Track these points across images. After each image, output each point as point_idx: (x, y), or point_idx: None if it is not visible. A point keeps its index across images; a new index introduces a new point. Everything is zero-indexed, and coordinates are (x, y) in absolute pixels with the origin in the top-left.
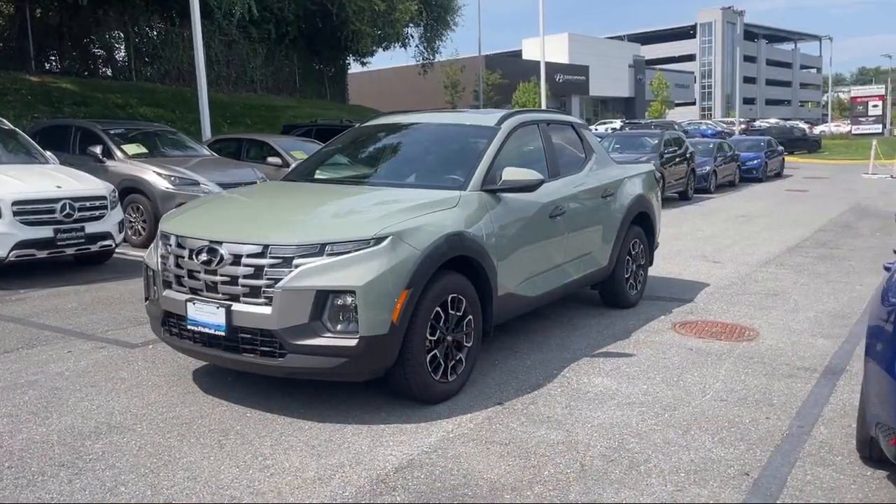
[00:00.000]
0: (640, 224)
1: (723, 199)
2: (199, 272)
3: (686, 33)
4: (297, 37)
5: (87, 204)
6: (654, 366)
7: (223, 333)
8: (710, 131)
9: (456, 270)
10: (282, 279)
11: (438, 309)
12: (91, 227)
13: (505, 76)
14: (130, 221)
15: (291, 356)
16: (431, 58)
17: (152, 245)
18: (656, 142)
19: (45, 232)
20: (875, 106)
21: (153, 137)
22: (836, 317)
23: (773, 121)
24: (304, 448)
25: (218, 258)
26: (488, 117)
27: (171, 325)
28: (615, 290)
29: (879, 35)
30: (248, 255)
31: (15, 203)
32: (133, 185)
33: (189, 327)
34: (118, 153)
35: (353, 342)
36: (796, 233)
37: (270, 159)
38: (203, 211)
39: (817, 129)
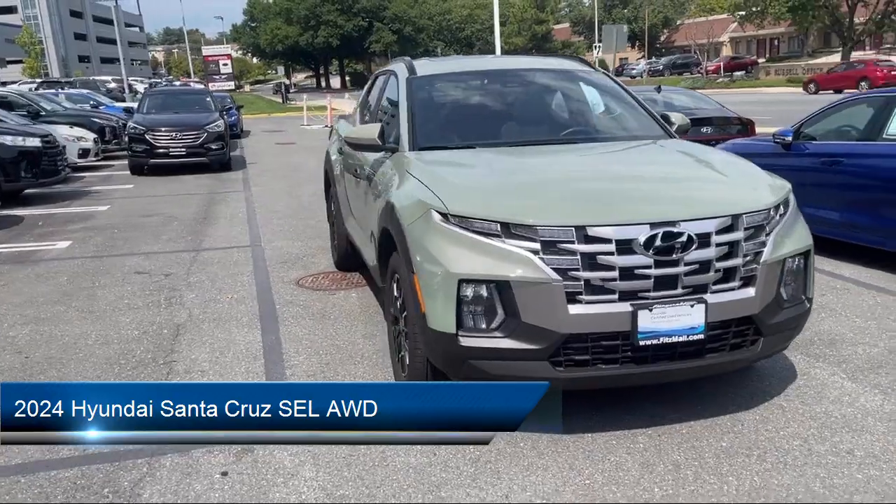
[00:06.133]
0: None
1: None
2: (647, 268)
3: None
4: None
5: None
6: None
7: (701, 335)
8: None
9: None
10: (761, 252)
11: None
12: None
13: None
14: None
15: (766, 340)
16: None
17: (463, 252)
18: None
19: None
20: (225, 64)
21: None
22: None
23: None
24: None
25: (683, 242)
26: (564, 62)
27: (575, 352)
28: None
29: None
30: (719, 231)
31: None
32: None
33: (641, 343)
34: None
35: (806, 306)
36: None
37: None
38: (546, 187)
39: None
